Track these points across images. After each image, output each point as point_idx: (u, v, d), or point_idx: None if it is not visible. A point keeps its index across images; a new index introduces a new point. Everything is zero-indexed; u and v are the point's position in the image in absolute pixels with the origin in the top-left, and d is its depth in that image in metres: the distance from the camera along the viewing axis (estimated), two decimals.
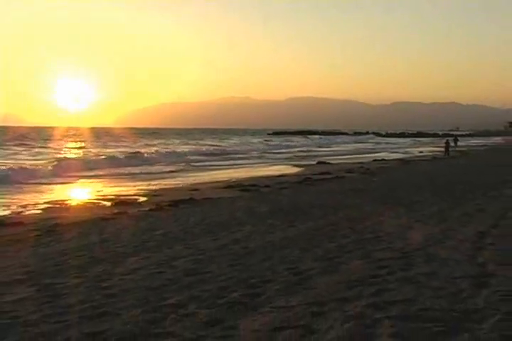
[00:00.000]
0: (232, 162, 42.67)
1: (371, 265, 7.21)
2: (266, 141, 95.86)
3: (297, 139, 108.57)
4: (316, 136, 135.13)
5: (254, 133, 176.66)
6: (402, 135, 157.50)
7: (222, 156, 50.98)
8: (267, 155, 53.70)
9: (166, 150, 56.40)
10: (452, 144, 56.63)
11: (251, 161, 43.62)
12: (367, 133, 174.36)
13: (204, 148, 64.92)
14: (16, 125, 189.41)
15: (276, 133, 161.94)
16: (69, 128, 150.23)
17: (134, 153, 49.18)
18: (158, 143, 78.55)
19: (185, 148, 62.69)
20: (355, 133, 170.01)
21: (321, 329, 4.82)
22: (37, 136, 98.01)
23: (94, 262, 8.40)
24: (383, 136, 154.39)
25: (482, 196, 14.66)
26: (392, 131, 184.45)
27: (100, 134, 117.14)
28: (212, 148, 66.79)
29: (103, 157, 43.16)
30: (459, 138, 71.07)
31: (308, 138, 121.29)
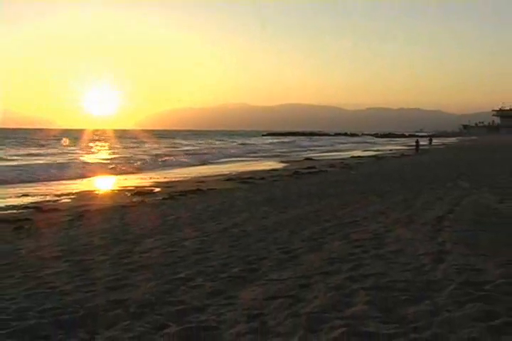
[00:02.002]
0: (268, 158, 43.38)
1: (349, 245, 7.23)
2: (280, 142, 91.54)
3: (306, 140, 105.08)
4: (324, 137, 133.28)
5: (255, 134, 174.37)
6: (376, 135, 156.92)
7: (258, 153, 52.22)
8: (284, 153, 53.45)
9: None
10: (424, 143, 56.74)
11: (278, 158, 43.28)
12: (345, 133, 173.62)
13: (247, 148, 65.24)
14: (49, 127, 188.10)
15: (270, 135, 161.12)
16: (95, 131, 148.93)
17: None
18: (200, 143, 79.71)
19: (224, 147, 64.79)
20: (336, 134, 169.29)
21: (307, 298, 4.84)
22: (98, 137, 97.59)
23: (116, 242, 8.40)
24: (360, 136, 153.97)
25: (441, 187, 14.67)
26: (367, 133, 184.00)
27: (136, 136, 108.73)
28: (246, 147, 66.79)
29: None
30: (432, 138, 72.00)
31: (312, 138, 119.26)
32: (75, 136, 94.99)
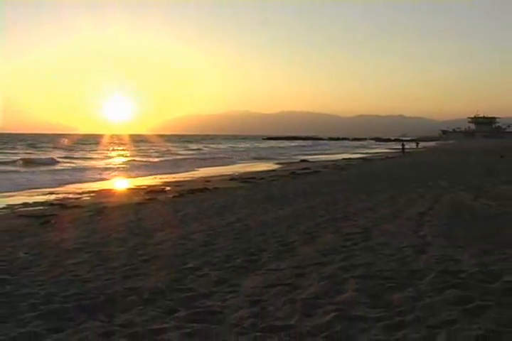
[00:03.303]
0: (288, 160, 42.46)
1: (340, 238, 7.24)
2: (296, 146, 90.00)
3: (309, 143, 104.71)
4: (324, 141, 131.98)
5: (257, 139, 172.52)
6: (365, 140, 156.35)
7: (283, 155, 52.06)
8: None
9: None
10: (408, 146, 56.71)
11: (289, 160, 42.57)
12: (338, 138, 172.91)
13: (274, 151, 64.53)
14: (72, 132, 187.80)
15: (269, 139, 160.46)
16: (112, 135, 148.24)
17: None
18: (229, 146, 79.76)
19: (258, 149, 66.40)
20: (329, 139, 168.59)
21: (303, 286, 4.86)
22: (128, 141, 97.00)
23: (132, 235, 8.40)
24: (351, 140, 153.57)
25: (423, 186, 14.66)
26: (357, 137, 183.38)
27: (155, 140, 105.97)
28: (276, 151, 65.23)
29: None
30: (419, 142, 72.50)
31: (314, 142, 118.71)
32: (97, 140, 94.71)
